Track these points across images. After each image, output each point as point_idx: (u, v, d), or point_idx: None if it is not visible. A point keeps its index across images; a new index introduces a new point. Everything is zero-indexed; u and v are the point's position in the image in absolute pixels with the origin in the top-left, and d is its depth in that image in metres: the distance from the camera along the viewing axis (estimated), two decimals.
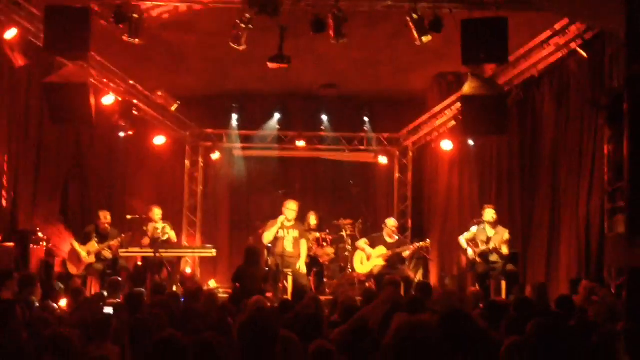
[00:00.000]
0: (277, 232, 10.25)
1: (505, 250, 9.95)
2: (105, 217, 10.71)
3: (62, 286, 8.03)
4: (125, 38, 8.04)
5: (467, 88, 8.61)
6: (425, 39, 7.99)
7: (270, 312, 4.26)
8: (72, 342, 3.78)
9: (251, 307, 5.19)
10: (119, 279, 8.89)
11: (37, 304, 6.71)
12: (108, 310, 4.69)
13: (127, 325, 4.58)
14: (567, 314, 5.93)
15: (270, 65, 8.44)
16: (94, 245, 10.46)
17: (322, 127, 13.64)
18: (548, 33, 8.90)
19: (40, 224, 11.29)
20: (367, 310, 5.82)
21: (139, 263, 11.39)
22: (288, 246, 10.25)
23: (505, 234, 10.03)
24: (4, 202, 10.39)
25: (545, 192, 10.97)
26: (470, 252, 10.30)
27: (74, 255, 10.45)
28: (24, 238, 10.34)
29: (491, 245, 10.07)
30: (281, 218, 10.30)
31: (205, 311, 5.64)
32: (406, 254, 10.89)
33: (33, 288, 7.41)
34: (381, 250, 10.72)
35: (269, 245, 10.50)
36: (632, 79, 5.38)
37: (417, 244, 10.89)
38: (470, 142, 11.76)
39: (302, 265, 10.31)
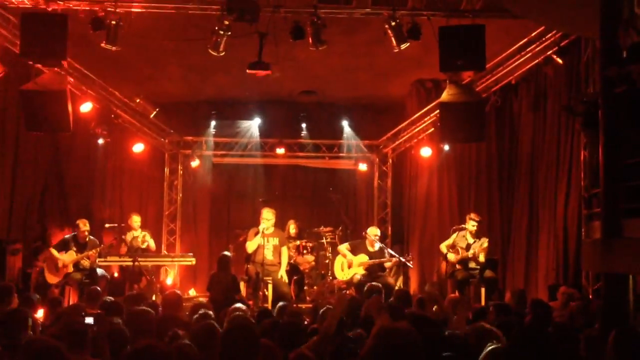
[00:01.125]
0: None
1: (482, 258, 10.02)
2: (84, 224, 10.57)
3: (38, 297, 7.91)
4: (103, 45, 8.00)
5: (446, 95, 8.68)
6: (403, 46, 8.06)
7: (250, 323, 4.22)
8: (64, 354, 3.66)
9: (228, 318, 5.15)
10: (98, 288, 8.79)
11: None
12: (89, 320, 4.62)
13: (106, 336, 4.52)
14: (543, 317, 5.98)
15: (253, 72, 8.40)
16: (72, 254, 10.32)
17: (302, 135, 13.62)
18: (525, 40, 9.01)
19: (18, 232, 11.16)
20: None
21: (116, 274, 11.30)
22: (268, 254, 10.22)
23: (484, 242, 10.09)
24: None
25: (524, 198, 11.07)
26: (451, 256, 10.33)
27: (52, 264, 10.30)
28: (0, 247, 10.21)
29: (470, 253, 10.12)
30: (262, 226, 10.27)
31: (186, 320, 5.61)
32: (388, 264, 10.86)
33: (10, 299, 7.29)
34: (362, 258, 10.70)
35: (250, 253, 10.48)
36: (607, 85, 5.44)
37: (401, 259, 10.69)
38: (446, 148, 11.79)
39: (283, 274, 10.28)
